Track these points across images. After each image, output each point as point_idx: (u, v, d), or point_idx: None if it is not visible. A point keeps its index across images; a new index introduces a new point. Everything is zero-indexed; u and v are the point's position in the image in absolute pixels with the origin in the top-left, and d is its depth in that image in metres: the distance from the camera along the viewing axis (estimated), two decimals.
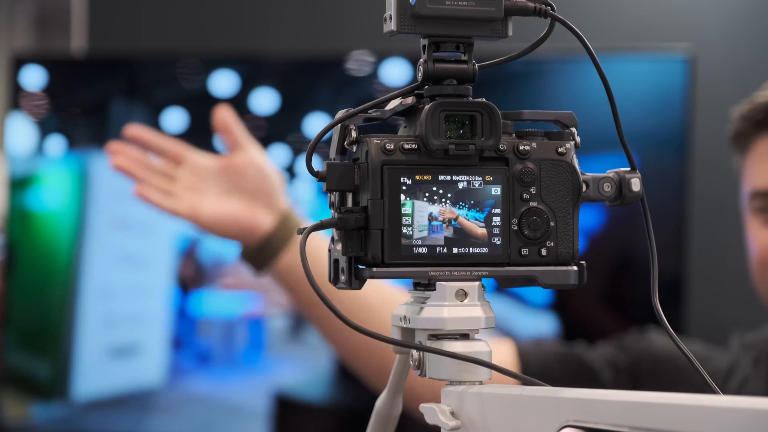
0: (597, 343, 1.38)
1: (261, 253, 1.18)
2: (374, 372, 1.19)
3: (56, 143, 2.12)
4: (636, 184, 0.65)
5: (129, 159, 1.21)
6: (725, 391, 1.14)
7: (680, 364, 1.30)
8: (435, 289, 0.62)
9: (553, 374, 1.27)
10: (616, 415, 0.50)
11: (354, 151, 0.63)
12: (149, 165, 1.22)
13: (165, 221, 2.16)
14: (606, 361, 1.31)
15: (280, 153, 2.05)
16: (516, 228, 0.63)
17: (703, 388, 0.60)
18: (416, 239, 0.62)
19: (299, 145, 2.03)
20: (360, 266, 0.62)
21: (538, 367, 1.26)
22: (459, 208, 0.63)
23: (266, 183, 1.20)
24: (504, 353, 1.27)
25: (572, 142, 0.65)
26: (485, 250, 0.63)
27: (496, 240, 0.63)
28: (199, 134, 2.10)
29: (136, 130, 1.25)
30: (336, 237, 0.63)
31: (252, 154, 1.22)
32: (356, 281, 0.62)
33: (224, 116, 1.23)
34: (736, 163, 1.36)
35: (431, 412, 0.61)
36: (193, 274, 2.10)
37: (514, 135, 0.64)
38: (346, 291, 0.64)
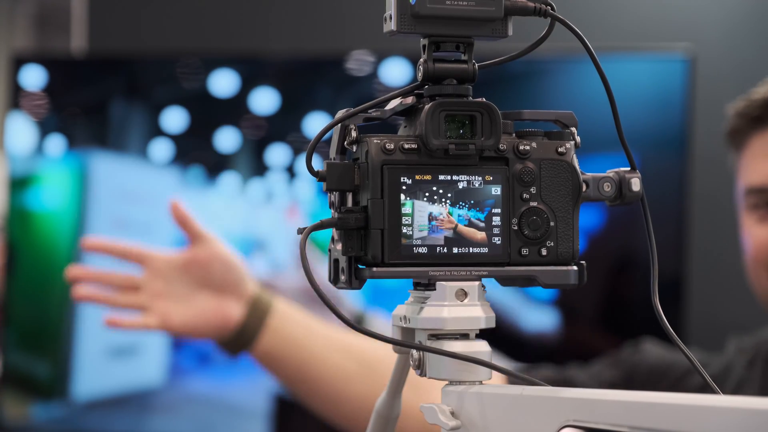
0: (591, 362, 1.38)
1: (237, 343, 1.19)
2: None
3: (56, 143, 2.12)
4: (636, 184, 0.65)
5: (91, 286, 1.22)
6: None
7: (675, 374, 1.31)
8: (435, 289, 0.62)
9: None
10: (616, 415, 0.50)
11: (354, 150, 0.63)
12: (112, 280, 1.22)
13: (165, 221, 2.17)
14: (599, 382, 1.31)
15: (280, 153, 2.05)
16: (516, 228, 0.63)
17: (700, 393, 0.60)
18: (416, 239, 0.62)
19: (299, 145, 2.03)
20: (360, 266, 0.62)
21: None
22: (459, 207, 0.62)
23: (232, 273, 1.20)
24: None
25: (572, 142, 0.65)
26: (485, 249, 0.63)
27: (496, 240, 0.63)
28: (199, 134, 2.10)
29: (92, 242, 1.27)
30: (336, 237, 0.63)
31: (213, 245, 1.21)
32: (356, 281, 0.62)
33: (179, 209, 1.22)
34: (731, 160, 1.36)
35: (431, 412, 0.61)
36: None
37: (514, 135, 0.64)
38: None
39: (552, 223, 0.64)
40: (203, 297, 1.19)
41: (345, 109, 0.63)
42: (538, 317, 1.91)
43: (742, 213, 1.33)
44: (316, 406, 1.23)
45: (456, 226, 0.62)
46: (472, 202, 0.63)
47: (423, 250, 0.62)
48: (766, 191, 1.28)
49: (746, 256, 1.32)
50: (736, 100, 1.33)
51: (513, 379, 0.65)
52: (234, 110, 2.07)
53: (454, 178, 0.62)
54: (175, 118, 2.08)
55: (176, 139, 2.08)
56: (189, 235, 1.22)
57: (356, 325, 0.61)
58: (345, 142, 0.63)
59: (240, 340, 1.19)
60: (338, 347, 1.19)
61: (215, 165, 2.07)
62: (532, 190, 0.63)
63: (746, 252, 1.32)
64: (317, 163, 0.63)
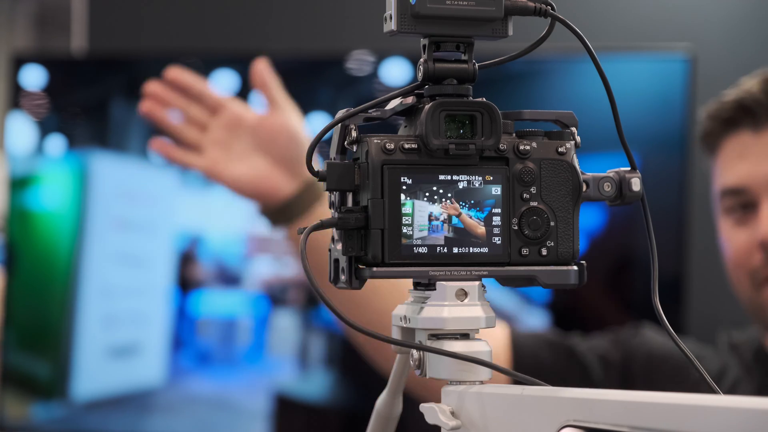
0: (594, 333, 1.37)
1: (278, 216, 1.19)
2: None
3: (56, 143, 2.12)
4: (636, 184, 0.65)
5: (161, 105, 1.21)
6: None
7: (674, 363, 1.30)
8: (435, 289, 0.62)
9: (543, 363, 1.27)
10: (616, 415, 0.50)
11: (354, 150, 0.63)
12: (183, 110, 1.21)
13: (165, 221, 2.17)
14: (598, 355, 1.31)
15: None
16: (516, 228, 0.63)
17: (698, 386, 0.60)
18: (416, 239, 0.62)
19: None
20: (360, 266, 0.62)
21: (529, 355, 1.26)
22: (459, 207, 0.62)
23: (296, 149, 1.19)
24: (497, 338, 1.26)
25: (572, 142, 0.65)
26: (485, 249, 0.63)
27: (497, 240, 0.63)
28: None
29: (177, 72, 1.24)
30: (336, 237, 0.63)
31: (288, 117, 1.21)
32: (356, 281, 0.62)
33: (262, 72, 1.22)
34: (706, 163, 1.36)
35: (431, 412, 0.61)
36: (193, 274, 2.10)
37: (514, 135, 0.64)
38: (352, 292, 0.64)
39: (552, 223, 0.64)
40: (260, 160, 1.19)
41: (345, 109, 0.63)
42: (534, 320, 1.91)
43: (719, 217, 1.33)
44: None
45: (460, 213, 0.62)
46: (472, 201, 0.63)
47: (423, 250, 0.62)
48: (740, 192, 1.28)
49: (726, 261, 1.32)
50: (707, 103, 1.34)
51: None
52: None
53: (455, 178, 0.62)
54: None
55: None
56: (267, 99, 1.21)
57: (356, 324, 0.61)
58: (345, 142, 0.63)
59: (282, 215, 1.18)
60: None
61: None
62: (532, 189, 0.63)
63: (726, 257, 1.32)
64: (317, 163, 0.63)
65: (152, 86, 1.22)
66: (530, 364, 1.25)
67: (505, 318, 1.86)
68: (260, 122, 1.20)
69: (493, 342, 1.24)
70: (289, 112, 1.21)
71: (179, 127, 1.21)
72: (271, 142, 1.19)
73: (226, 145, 1.19)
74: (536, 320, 1.91)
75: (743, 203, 1.28)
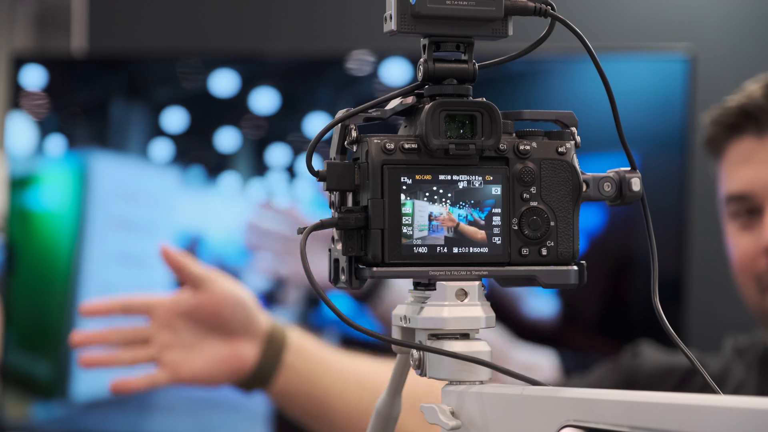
0: (593, 365, 1.38)
1: (252, 383, 1.15)
2: None
3: (56, 143, 2.12)
4: (636, 184, 0.65)
5: (97, 351, 1.16)
6: None
7: (677, 375, 1.31)
8: (435, 289, 0.62)
9: None
10: (616, 415, 0.50)
11: (354, 150, 0.63)
12: (118, 337, 1.15)
13: (165, 221, 2.17)
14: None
15: (280, 153, 2.05)
16: (516, 228, 0.63)
17: (702, 393, 0.60)
18: (416, 239, 0.62)
19: (299, 145, 2.03)
20: (360, 266, 0.62)
21: None
22: (459, 207, 0.62)
23: (242, 313, 1.14)
24: None
25: (572, 142, 0.65)
26: (485, 249, 0.63)
27: (497, 240, 0.63)
28: (200, 134, 2.10)
29: (90, 306, 1.19)
30: (336, 237, 0.63)
31: (217, 286, 1.14)
32: (356, 281, 0.62)
33: (171, 255, 1.15)
34: (711, 168, 1.36)
35: (431, 412, 0.61)
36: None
37: (514, 135, 0.64)
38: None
39: (552, 223, 0.64)
40: (214, 343, 1.14)
41: (345, 109, 0.63)
42: (538, 307, 1.91)
43: (725, 222, 1.33)
44: None
45: (457, 224, 0.62)
46: (472, 201, 0.63)
47: (423, 249, 0.62)
48: (745, 198, 1.28)
49: (732, 266, 1.32)
50: (710, 108, 1.34)
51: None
52: (234, 110, 2.07)
53: (454, 177, 0.62)
54: (175, 118, 2.08)
55: (176, 139, 2.08)
56: (188, 280, 1.15)
57: (356, 324, 0.61)
58: (345, 142, 0.63)
59: (256, 381, 1.14)
60: (353, 380, 1.15)
61: (215, 165, 2.07)
62: (532, 189, 0.63)
63: (732, 262, 1.32)
64: (317, 163, 0.63)
65: (76, 337, 1.16)
66: None
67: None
68: (195, 305, 1.14)
69: None
70: (216, 280, 1.15)
71: (126, 356, 1.15)
72: (216, 318, 1.13)
73: (175, 344, 1.14)
74: (537, 309, 1.91)
75: (748, 208, 1.28)
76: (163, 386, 1.15)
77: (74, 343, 1.17)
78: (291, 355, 1.14)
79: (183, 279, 1.16)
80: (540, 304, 1.93)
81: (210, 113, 2.10)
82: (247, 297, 1.16)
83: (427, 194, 0.62)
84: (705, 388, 0.61)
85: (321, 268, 0.65)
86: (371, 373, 1.17)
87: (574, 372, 1.72)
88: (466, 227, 0.62)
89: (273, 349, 1.14)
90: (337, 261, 0.63)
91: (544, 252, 0.63)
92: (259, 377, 1.14)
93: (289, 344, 1.15)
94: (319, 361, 1.16)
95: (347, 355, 1.21)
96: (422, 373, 0.63)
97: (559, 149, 0.64)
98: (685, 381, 1.31)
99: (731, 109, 1.30)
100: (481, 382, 0.62)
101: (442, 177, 0.62)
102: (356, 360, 1.20)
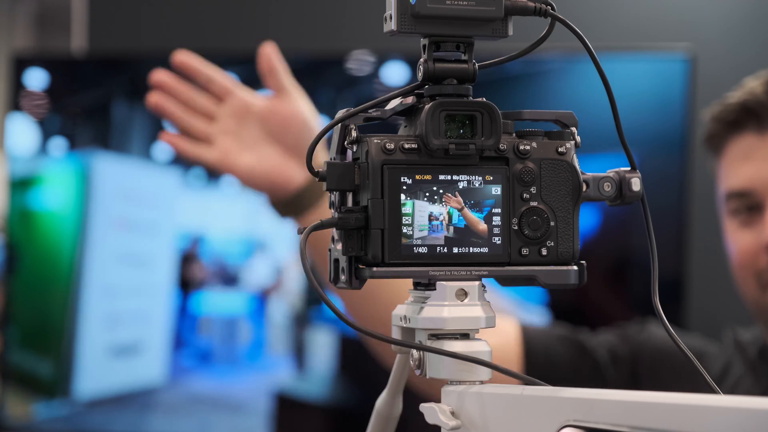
0: (599, 329, 1.38)
1: (288, 207, 1.14)
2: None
3: (57, 143, 2.13)
4: (636, 184, 0.65)
5: (169, 97, 1.16)
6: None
7: (679, 360, 1.30)
8: (435, 289, 0.62)
9: (555, 357, 1.26)
10: (616, 415, 0.50)
11: (354, 150, 0.63)
12: (190, 100, 1.16)
13: (167, 221, 2.17)
14: (608, 350, 1.31)
15: None
16: (516, 228, 0.63)
17: (703, 384, 0.60)
18: (416, 239, 0.62)
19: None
20: (360, 266, 0.62)
21: (541, 349, 1.25)
22: (462, 201, 0.63)
23: (308, 136, 1.14)
24: (508, 333, 1.25)
25: (572, 142, 0.65)
26: (485, 249, 0.63)
27: (497, 239, 0.63)
28: None
29: (184, 57, 1.20)
30: (336, 237, 0.63)
31: (297, 103, 1.16)
32: (356, 281, 0.62)
33: (269, 57, 1.17)
34: (710, 165, 1.36)
35: (431, 412, 0.61)
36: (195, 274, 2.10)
37: (514, 135, 0.64)
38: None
39: (552, 223, 0.64)
40: (271, 150, 1.14)
41: (345, 109, 0.63)
42: (532, 318, 1.91)
43: (724, 219, 1.33)
44: (346, 296, 1.15)
45: (463, 207, 0.62)
46: (472, 201, 0.63)
47: (423, 249, 0.62)
48: (745, 195, 1.28)
49: (731, 263, 1.32)
50: (711, 105, 1.34)
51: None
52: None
53: (455, 177, 0.62)
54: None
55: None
56: (274, 87, 1.16)
57: (356, 324, 0.61)
58: (345, 142, 0.63)
59: (293, 206, 1.13)
60: None
61: None
62: (532, 189, 0.63)
63: (731, 259, 1.32)
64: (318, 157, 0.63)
65: (159, 75, 1.18)
66: (542, 358, 1.24)
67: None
68: (270, 110, 1.15)
69: (504, 337, 1.24)
70: (298, 98, 1.17)
71: (187, 120, 1.16)
72: (282, 130, 1.14)
73: (235, 135, 1.15)
74: (535, 318, 1.91)
75: (749, 205, 1.28)
76: (206, 164, 1.14)
77: (155, 79, 1.17)
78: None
79: (270, 84, 1.16)
80: (536, 302, 1.93)
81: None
82: (316, 126, 1.16)
83: (427, 194, 0.62)
84: (704, 379, 0.61)
85: None
86: None
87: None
88: (469, 214, 0.62)
89: (319, 185, 1.14)
90: (337, 261, 0.63)
91: (544, 252, 0.64)
92: (296, 203, 1.13)
93: None
94: None
95: None
96: (422, 373, 0.63)
97: (559, 149, 0.64)
98: (689, 366, 1.30)
99: (732, 105, 1.30)
100: (481, 382, 0.62)
101: (442, 177, 0.62)
102: None
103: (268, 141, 1.15)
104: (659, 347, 1.32)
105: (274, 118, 1.15)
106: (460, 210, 0.62)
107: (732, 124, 1.30)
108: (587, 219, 1.91)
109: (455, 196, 0.62)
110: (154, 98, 1.17)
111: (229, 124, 1.15)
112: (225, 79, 1.18)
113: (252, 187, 1.15)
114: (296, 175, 1.14)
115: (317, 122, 1.16)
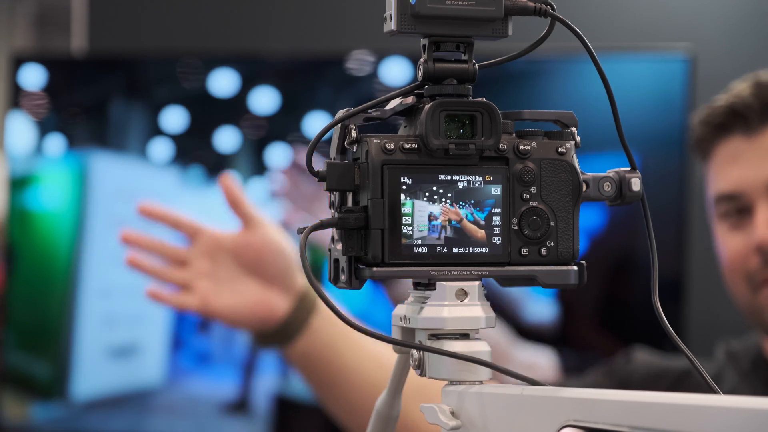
0: (586, 372, 1.38)
1: (274, 337, 1.13)
2: None
3: (56, 143, 2.12)
4: (636, 184, 0.65)
5: (142, 253, 1.16)
6: None
7: (671, 377, 1.31)
8: (435, 289, 0.62)
9: None
10: (616, 415, 0.50)
11: (354, 150, 0.63)
12: (162, 251, 1.16)
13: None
14: None
15: (280, 153, 2.05)
16: (516, 228, 0.63)
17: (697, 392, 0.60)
18: (416, 239, 0.62)
19: (299, 145, 2.03)
20: (360, 266, 0.62)
21: None
22: (459, 207, 0.62)
23: (283, 263, 1.13)
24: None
25: (572, 142, 0.65)
26: (485, 249, 0.63)
27: (497, 240, 0.63)
28: (199, 134, 2.10)
29: (149, 206, 1.19)
30: (336, 237, 0.63)
31: (267, 231, 1.14)
32: (356, 281, 0.62)
33: (231, 188, 1.15)
34: (699, 169, 1.36)
35: (431, 412, 0.61)
36: None
37: (514, 135, 0.64)
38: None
39: (552, 223, 0.63)
40: (250, 284, 1.13)
41: (345, 109, 0.63)
42: (538, 310, 1.91)
43: (714, 222, 1.33)
44: (338, 413, 1.16)
45: (462, 219, 0.62)
46: (472, 201, 0.63)
47: (423, 249, 0.62)
48: (734, 198, 1.28)
49: (723, 266, 1.32)
50: (697, 109, 1.34)
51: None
52: (234, 110, 2.07)
53: (455, 177, 0.62)
54: (175, 118, 2.08)
55: (176, 138, 2.08)
56: (241, 218, 1.15)
57: (356, 324, 0.61)
58: (345, 142, 0.63)
59: (279, 336, 1.12)
60: (373, 357, 1.13)
61: (215, 165, 2.07)
62: (532, 189, 0.63)
63: (722, 262, 1.32)
64: (318, 163, 0.63)
65: (127, 234, 1.17)
66: None
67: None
68: (241, 244, 1.13)
69: None
70: (267, 226, 1.14)
71: (163, 272, 1.15)
72: (257, 262, 1.12)
73: (210, 275, 1.13)
74: (537, 312, 1.91)
75: (738, 208, 1.28)
76: (189, 312, 1.14)
77: (125, 238, 1.17)
78: (319, 320, 1.12)
79: (237, 216, 1.15)
80: (540, 303, 1.93)
81: (210, 113, 2.10)
82: (291, 252, 1.14)
83: (427, 194, 0.62)
84: (697, 390, 0.61)
85: None
86: (387, 354, 1.15)
87: (573, 371, 1.72)
88: (468, 224, 0.62)
89: (303, 308, 1.12)
90: (337, 261, 0.63)
91: (544, 252, 0.63)
92: (282, 332, 1.12)
93: (318, 309, 1.12)
94: (343, 333, 1.13)
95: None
96: (422, 373, 0.63)
97: (559, 149, 0.64)
98: (679, 382, 1.31)
99: (719, 108, 1.30)
100: (481, 382, 0.61)
101: (442, 177, 0.62)
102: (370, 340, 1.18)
103: (244, 275, 1.13)
104: (647, 371, 1.32)
105: (246, 252, 1.13)
106: (459, 221, 0.62)
107: (720, 127, 1.30)
108: (591, 220, 1.91)
109: (453, 206, 0.62)
110: (129, 257, 1.16)
111: (202, 265, 1.14)
112: (191, 220, 1.17)
113: (238, 326, 1.14)
114: (279, 305, 1.12)
115: (290, 247, 1.14)
